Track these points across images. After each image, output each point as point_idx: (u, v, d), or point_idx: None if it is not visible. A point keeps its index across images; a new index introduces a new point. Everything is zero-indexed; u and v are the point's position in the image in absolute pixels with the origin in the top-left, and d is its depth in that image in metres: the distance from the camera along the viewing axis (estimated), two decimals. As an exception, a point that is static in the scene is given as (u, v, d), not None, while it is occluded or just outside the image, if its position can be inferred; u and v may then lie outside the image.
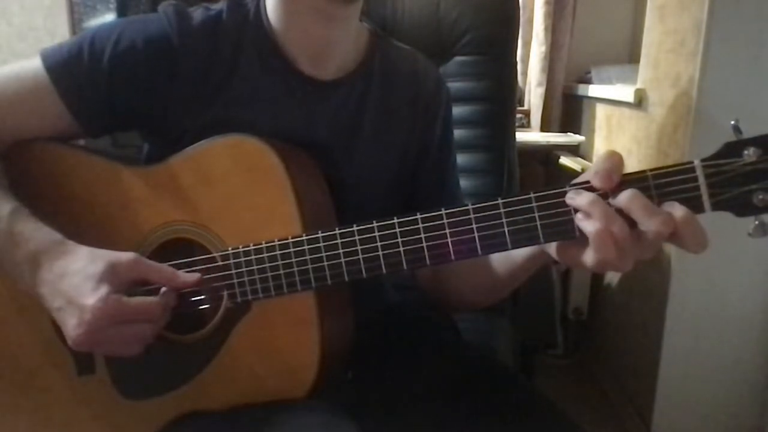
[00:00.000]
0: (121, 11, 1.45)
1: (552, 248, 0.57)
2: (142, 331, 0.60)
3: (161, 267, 0.63)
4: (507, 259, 0.66)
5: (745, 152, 0.48)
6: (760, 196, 0.48)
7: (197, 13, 0.71)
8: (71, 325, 0.58)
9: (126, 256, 0.61)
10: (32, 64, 0.68)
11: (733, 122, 0.49)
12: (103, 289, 0.57)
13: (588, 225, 0.50)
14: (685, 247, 0.49)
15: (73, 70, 0.68)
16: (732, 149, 0.48)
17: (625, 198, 0.49)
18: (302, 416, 0.63)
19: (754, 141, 0.48)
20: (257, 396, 0.66)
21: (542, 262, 0.63)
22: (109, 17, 1.53)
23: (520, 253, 0.63)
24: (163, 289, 0.63)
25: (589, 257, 0.51)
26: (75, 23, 1.64)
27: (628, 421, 1.58)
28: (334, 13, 0.68)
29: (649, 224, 0.48)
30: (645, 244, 0.50)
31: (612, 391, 1.72)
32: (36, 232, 0.61)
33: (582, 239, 0.52)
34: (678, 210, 0.48)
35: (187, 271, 0.65)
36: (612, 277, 1.76)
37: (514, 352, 1.08)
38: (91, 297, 0.57)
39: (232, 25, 0.72)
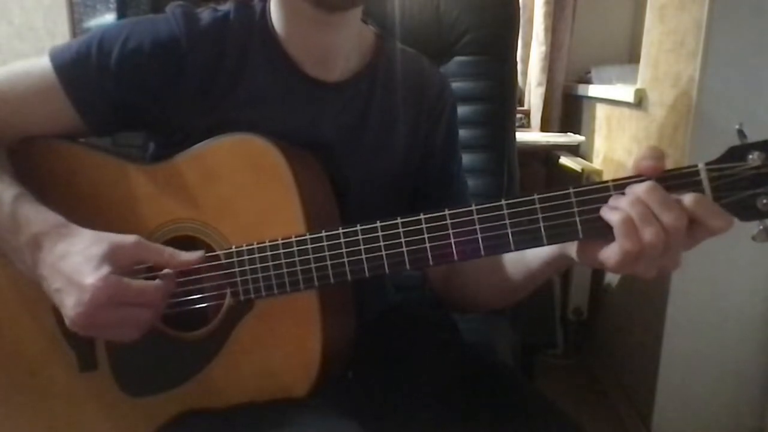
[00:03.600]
0: (121, 11, 1.46)
1: (572, 251, 0.57)
2: (141, 315, 0.60)
3: (163, 248, 0.63)
4: (526, 263, 0.65)
5: (750, 156, 0.47)
6: (764, 201, 0.47)
7: (205, 15, 0.72)
8: (70, 305, 0.57)
9: (128, 238, 0.61)
10: (40, 63, 0.68)
11: (737, 126, 0.49)
12: (104, 269, 0.57)
13: (614, 215, 0.50)
14: (710, 229, 0.48)
15: (81, 70, 0.68)
16: (736, 153, 0.48)
17: (642, 190, 0.49)
18: (303, 416, 0.63)
19: (759, 145, 0.48)
20: (259, 394, 0.66)
21: (564, 265, 0.62)
22: (109, 17, 1.53)
23: (540, 257, 0.63)
24: (163, 272, 0.63)
25: (613, 252, 0.50)
26: (75, 23, 1.64)
27: (628, 421, 1.58)
28: (329, 20, 0.68)
29: (666, 217, 0.48)
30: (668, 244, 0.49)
31: (612, 391, 1.72)
32: (38, 215, 0.61)
33: (603, 240, 0.51)
34: (686, 197, 0.48)
35: (191, 268, 0.64)
36: (612, 278, 1.76)
37: (514, 352, 1.08)
38: (92, 276, 0.56)
39: (239, 26, 0.72)
